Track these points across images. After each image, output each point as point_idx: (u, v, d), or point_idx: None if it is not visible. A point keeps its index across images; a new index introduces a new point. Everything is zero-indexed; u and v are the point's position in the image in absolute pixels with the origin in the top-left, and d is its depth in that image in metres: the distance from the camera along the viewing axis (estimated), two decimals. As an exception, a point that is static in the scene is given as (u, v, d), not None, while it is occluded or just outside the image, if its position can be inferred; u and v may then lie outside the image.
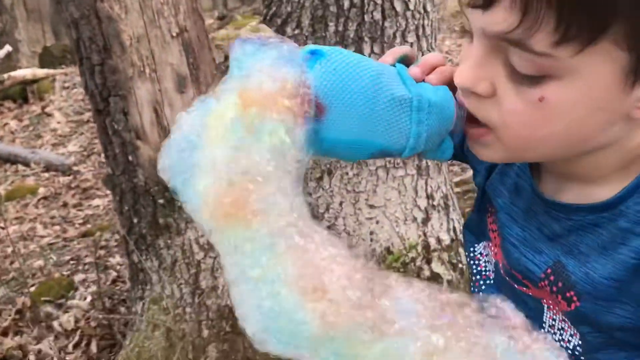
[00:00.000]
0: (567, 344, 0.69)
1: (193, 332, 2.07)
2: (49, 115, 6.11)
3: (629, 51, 0.54)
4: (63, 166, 4.89)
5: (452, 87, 0.65)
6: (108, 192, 4.58)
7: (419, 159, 0.83)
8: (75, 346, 2.65)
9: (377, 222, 2.22)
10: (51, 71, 7.12)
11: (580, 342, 0.68)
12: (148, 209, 2.08)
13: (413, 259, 2.25)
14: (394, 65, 0.64)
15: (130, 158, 2.02)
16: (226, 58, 2.42)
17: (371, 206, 2.21)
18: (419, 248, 2.31)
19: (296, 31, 2.14)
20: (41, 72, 7.02)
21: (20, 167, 5.08)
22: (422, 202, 2.34)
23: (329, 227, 2.15)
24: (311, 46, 0.61)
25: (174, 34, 1.98)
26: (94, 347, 2.62)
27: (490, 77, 0.60)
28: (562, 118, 0.59)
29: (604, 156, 0.63)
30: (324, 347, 0.54)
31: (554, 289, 0.68)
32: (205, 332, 2.08)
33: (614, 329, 0.63)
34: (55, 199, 4.49)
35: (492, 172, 0.81)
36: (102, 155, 5.20)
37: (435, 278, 2.31)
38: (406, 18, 2.13)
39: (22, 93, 6.81)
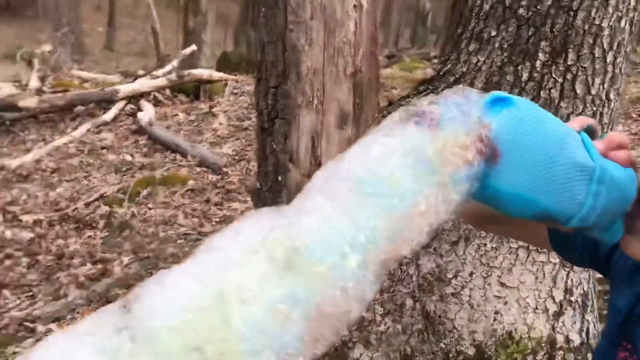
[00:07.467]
0: None
1: None
2: (214, 115, 6.57)
3: None
4: (215, 165, 5.21)
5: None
6: (248, 198, 4.80)
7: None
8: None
9: (505, 303, 2.05)
10: (225, 75, 7.66)
11: None
12: (283, 230, 2.14)
13: (534, 351, 2.08)
14: (578, 133, 0.61)
15: (279, 178, 2.09)
16: (390, 104, 2.44)
17: (502, 284, 2.03)
18: (543, 342, 2.15)
19: (467, 92, 2.12)
20: (217, 74, 7.58)
21: (179, 157, 5.49)
22: (558, 295, 2.13)
23: (453, 295, 2.08)
24: (498, 92, 0.59)
25: (348, 73, 2.04)
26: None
27: None
28: None
29: None
30: None
31: None
32: None
33: None
34: (201, 194, 4.79)
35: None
36: (251, 163, 5.48)
37: (554, 378, 2.13)
38: (585, 102, 1.97)
39: (195, 90, 7.40)
